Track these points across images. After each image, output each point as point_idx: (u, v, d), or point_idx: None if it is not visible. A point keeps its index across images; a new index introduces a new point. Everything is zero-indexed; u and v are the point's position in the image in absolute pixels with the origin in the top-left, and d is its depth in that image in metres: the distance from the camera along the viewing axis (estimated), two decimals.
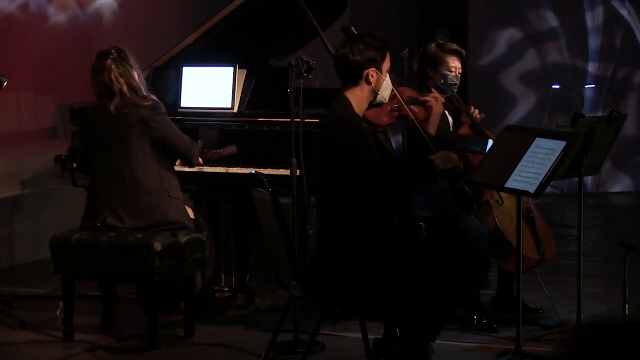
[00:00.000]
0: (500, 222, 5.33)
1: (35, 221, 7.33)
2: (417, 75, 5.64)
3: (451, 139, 5.30)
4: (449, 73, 5.48)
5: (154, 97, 5.31)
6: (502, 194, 5.37)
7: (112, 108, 5.19)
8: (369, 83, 4.26)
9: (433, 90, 5.34)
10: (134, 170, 5.24)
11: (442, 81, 5.48)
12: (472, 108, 5.65)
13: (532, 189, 4.45)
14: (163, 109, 5.30)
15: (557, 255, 5.67)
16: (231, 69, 5.85)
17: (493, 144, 4.90)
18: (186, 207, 5.54)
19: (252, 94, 5.88)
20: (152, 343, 5.23)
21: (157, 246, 5.13)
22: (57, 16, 8.70)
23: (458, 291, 4.30)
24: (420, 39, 9.24)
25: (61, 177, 5.93)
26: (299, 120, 5.10)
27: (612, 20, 10.20)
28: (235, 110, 5.84)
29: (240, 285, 5.98)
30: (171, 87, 5.97)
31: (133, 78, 5.21)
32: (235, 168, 5.71)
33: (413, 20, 10.52)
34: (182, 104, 5.91)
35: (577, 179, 4.95)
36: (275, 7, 6.18)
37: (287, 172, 5.20)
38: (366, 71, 4.23)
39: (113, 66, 5.18)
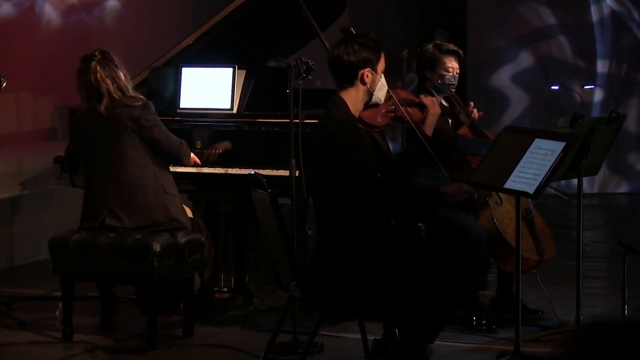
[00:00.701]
0: (499, 223, 5.33)
1: (35, 222, 7.33)
2: (416, 75, 5.64)
3: (460, 144, 5.31)
4: (446, 73, 5.48)
5: (142, 96, 5.32)
6: (501, 194, 5.37)
7: (102, 109, 5.20)
8: (364, 83, 4.25)
9: (429, 91, 5.34)
10: (129, 170, 5.24)
11: (439, 81, 5.49)
12: (472, 105, 5.65)
13: (531, 190, 4.45)
14: (153, 108, 5.31)
15: (557, 256, 5.67)
16: (230, 69, 5.85)
17: (492, 144, 4.91)
18: (185, 207, 5.54)
19: (251, 95, 5.88)
20: (151, 343, 5.23)
21: (156, 247, 5.13)
22: (56, 17, 8.70)
23: (457, 292, 4.30)
24: (419, 39, 9.23)
25: (60, 178, 5.93)
26: (298, 121, 5.10)
27: (614, 18, 10.18)
28: (235, 111, 5.84)
29: (240, 286, 5.97)
30: (170, 87, 5.97)
31: (119, 78, 5.22)
32: (234, 169, 5.71)
33: (412, 20, 10.52)
34: (182, 105, 5.91)
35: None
36: (274, 8, 6.18)
37: (286, 172, 5.21)
38: (361, 71, 4.23)
39: (98, 67, 5.19)
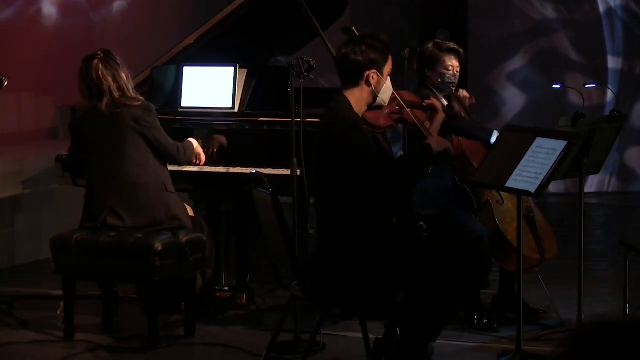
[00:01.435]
0: (500, 222, 5.33)
1: (36, 221, 7.33)
2: (417, 74, 5.64)
3: (458, 124, 5.32)
4: (446, 72, 5.47)
5: (142, 98, 5.32)
6: (502, 193, 5.37)
7: (103, 107, 5.20)
8: (369, 85, 4.24)
9: (430, 96, 5.33)
10: (130, 169, 5.24)
11: (439, 80, 5.48)
12: (465, 92, 5.66)
13: (532, 189, 4.45)
14: (155, 111, 5.31)
15: (558, 255, 5.67)
16: (232, 68, 5.85)
17: (494, 144, 4.90)
18: (186, 206, 5.54)
19: (252, 94, 5.87)
20: (153, 343, 5.23)
21: (158, 246, 5.13)
22: (58, 16, 8.70)
23: (459, 291, 4.30)
24: (420, 39, 9.23)
25: (62, 177, 5.93)
26: (299, 120, 5.10)
27: (616, 16, 10.15)
28: (236, 110, 5.84)
29: (241, 285, 5.97)
30: (172, 86, 5.97)
31: (120, 78, 5.22)
32: (235, 168, 5.71)
33: (413, 20, 10.52)
34: (183, 104, 5.91)
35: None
36: (275, 7, 6.18)
37: (287, 172, 5.20)
38: (367, 72, 4.22)
39: (100, 65, 5.20)
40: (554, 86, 9.17)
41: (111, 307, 5.65)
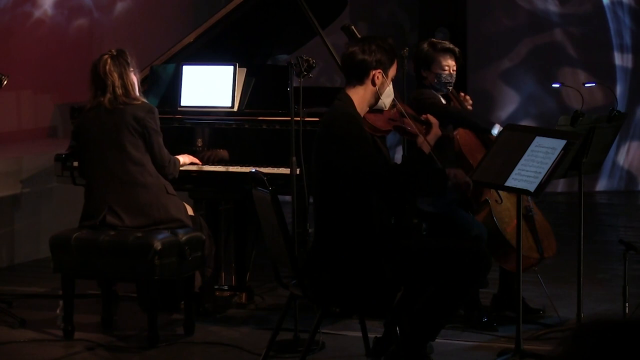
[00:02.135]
0: (498, 222, 5.33)
1: (35, 220, 7.33)
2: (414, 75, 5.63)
3: (457, 112, 5.31)
4: (442, 72, 5.46)
5: (146, 101, 5.33)
6: (501, 192, 5.37)
7: (106, 102, 5.21)
8: (373, 85, 4.26)
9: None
10: (130, 168, 5.24)
11: (436, 80, 5.47)
12: (463, 95, 5.65)
13: (532, 188, 4.46)
14: (157, 114, 5.31)
15: (557, 253, 5.67)
16: (231, 67, 5.85)
17: (493, 143, 4.90)
18: (186, 205, 5.54)
19: (252, 93, 5.88)
20: (152, 342, 5.23)
21: (157, 245, 5.13)
22: (58, 15, 8.70)
23: (458, 290, 4.30)
24: (420, 38, 9.23)
25: (61, 176, 5.93)
26: (299, 119, 5.10)
27: (617, 14, 10.13)
28: (235, 109, 5.84)
29: (240, 284, 5.98)
30: (171, 85, 5.97)
31: (127, 77, 5.22)
32: (235, 167, 5.71)
33: (413, 19, 10.52)
34: (182, 103, 5.91)
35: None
36: (275, 6, 6.17)
37: (287, 170, 5.20)
38: (373, 72, 4.23)
39: (109, 61, 5.21)
40: (553, 85, 9.18)
41: (110, 306, 5.65)
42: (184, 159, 5.61)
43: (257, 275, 6.12)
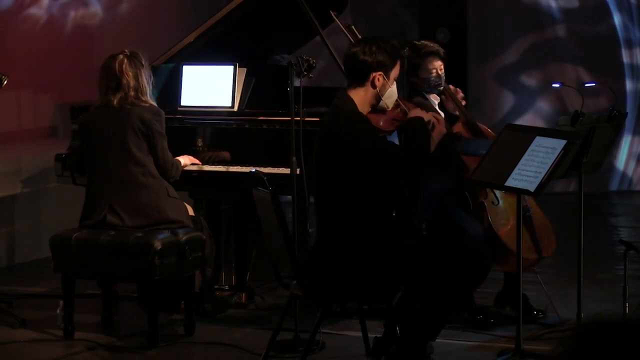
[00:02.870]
0: (494, 224, 5.30)
1: (35, 220, 7.33)
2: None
3: (461, 146, 5.29)
4: (430, 75, 5.41)
5: (155, 104, 5.32)
6: (498, 193, 5.36)
7: (115, 102, 5.21)
8: (374, 87, 4.25)
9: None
10: (132, 168, 5.24)
11: (425, 84, 5.42)
12: (458, 91, 5.62)
13: (532, 188, 4.46)
14: (164, 117, 5.32)
15: (557, 254, 5.67)
16: (231, 67, 5.85)
17: (493, 142, 4.90)
18: (186, 205, 5.54)
19: (252, 93, 5.88)
20: (152, 342, 5.23)
21: (158, 245, 5.13)
22: (57, 15, 8.70)
23: (458, 290, 4.30)
24: (420, 38, 9.22)
25: (61, 176, 5.93)
26: (299, 118, 5.10)
27: (622, 8, 10.09)
28: (236, 108, 5.84)
29: (241, 284, 5.98)
30: (171, 85, 5.97)
31: (141, 78, 5.22)
32: (235, 167, 5.71)
33: (413, 19, 10.51)
34: (182, 103, 5.91)
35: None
36: (275, 5, 6.17)
37: (287, 170, 5.20)
38: (373, 74, 4.22)
39: (126, 60, 5.22)
40: (552, 85, 9.16)
41: (111, 306, 5.65)
42: (184, 160, 5.62)
43: (257, 275, 6.12)
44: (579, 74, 10.00)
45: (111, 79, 5.22)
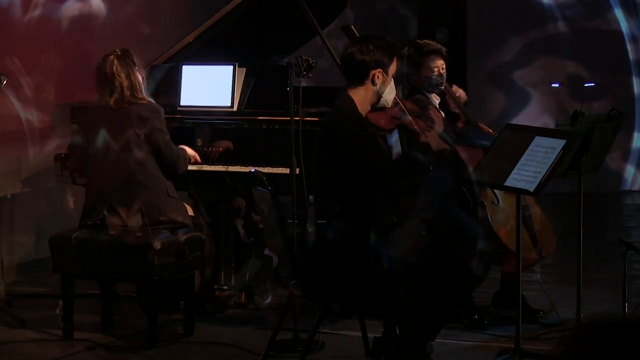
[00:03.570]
0: (494, 223, 5.30)
1: (35, 220, 7.33)
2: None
3: (463, 138, 5.29)
4: (432, 74, 5.41)
5: (153, 101, 5.32)
6: (498, 193, 5.35)
7: (112, 103, 5.22)
8: (374, 84, 4.26)
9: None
10: (132, 166, 5.24)
11: (427, 83, 5.42)
12: (455, 88, 5.62)
13: (531, 188, 4.46)
14: (163, 114, 5.31)
15: (557, 254, 5.66)
16: (231, 67, 5.85)
17: (492, 142, 4.90)
18: (185, 205, 5.54)
19: (251, 93, 5.87)
20: (152, 341, 5.23)
21: (157, 245, 5.13)
22: (57, 13, 8.69)
23: (457, 290, 4.30)
24: (420, 38, 9.21)
25: (61, 176, 5.93)
26: (298, 118, 5.10)
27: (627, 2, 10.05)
28: (235, 108, 5.84)
29: (240, 284, 5.97)
30: (171, 85, 5.97)
31: (134, 77, 5.22)
32: (235, 167, 5.71)
33: (413, 19, 10.51)
34: (182, 103, 5.91)
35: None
36: (274, 5, 6.17)
37: (286, 170, 5.20)
38: (373, 72, 4.24)
39: (116, 61, 5.21)
40: (552, 85, 9.15)
41: (110, 306, 5.65)
42: (188, 150, 5.60)
43: (257, 275, 6.12)
44: (581, 72, 9.98)
45: (104, 81, 5.22)
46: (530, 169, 4.49)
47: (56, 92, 8.48)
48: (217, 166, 5.74)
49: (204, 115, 5.86)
